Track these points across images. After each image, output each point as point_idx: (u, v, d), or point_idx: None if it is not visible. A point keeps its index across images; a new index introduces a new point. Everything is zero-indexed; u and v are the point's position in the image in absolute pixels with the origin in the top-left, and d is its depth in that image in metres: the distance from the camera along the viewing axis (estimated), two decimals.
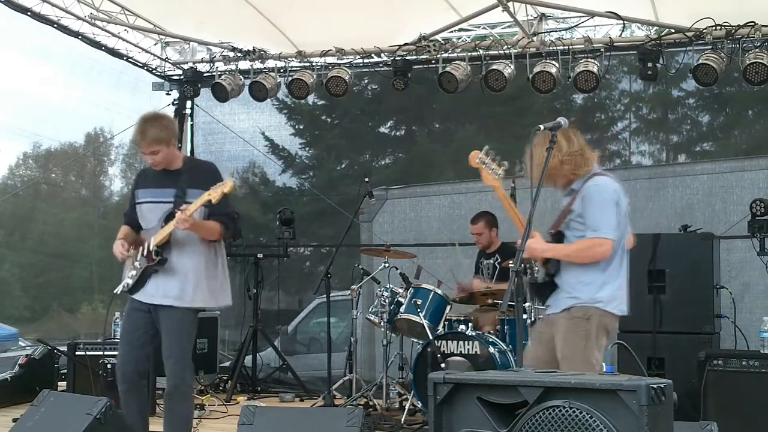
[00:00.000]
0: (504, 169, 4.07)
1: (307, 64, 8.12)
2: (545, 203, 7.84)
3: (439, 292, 6.40)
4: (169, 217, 4.58)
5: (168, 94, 9.08)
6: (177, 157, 4.76)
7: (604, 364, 2.89)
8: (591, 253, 3.97)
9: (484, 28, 7.88)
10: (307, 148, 10.60)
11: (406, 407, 6.15)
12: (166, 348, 4.60)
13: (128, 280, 4.68)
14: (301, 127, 10.64)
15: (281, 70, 8.26)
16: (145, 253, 4.63)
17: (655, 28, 7.28)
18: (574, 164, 4.09)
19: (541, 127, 3.82)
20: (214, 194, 4.47)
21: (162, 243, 4.59)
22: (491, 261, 6.92)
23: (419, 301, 6.29)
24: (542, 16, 7.48)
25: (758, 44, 6.71)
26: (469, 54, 7.61)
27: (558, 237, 4.15)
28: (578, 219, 4.05)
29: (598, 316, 3.96)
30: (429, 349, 6.12)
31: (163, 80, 9.05)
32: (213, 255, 4.75)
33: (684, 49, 7.08)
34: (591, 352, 3.87)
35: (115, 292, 4.82)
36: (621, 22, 7.17)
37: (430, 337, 6.12)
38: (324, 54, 7.98)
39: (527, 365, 3.96)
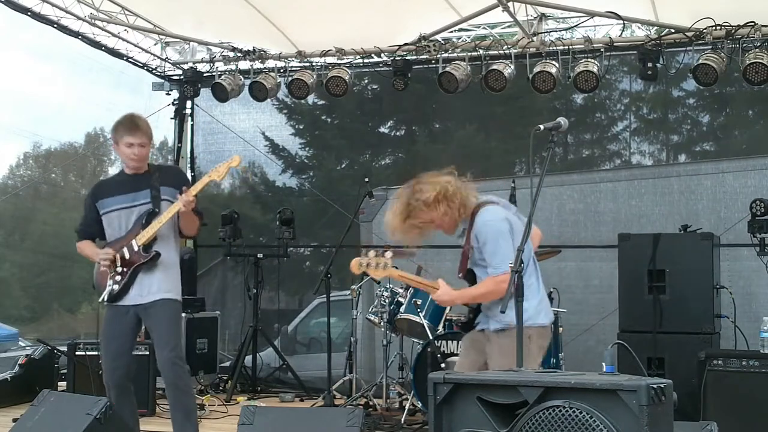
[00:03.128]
0: (390, 256, 4.19)
1: (307, 64, 8.12)
2: (552, 205, 7.96)
3: None
4: (150, 216, 4.67)
5: (168, 94, 9.10)
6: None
7: (604, 364, 2.88)
8: (497, 292, 3.95)
9: (484, 28, 7.88)
10: (307, 148, 10.58)
11: (406, 407, 6.15)
12: (162, 339, 4.67)
13: (114, 286, 4.71)
14: (301, 127, 10.63)
15: (281, 70, 8.27)
16: (127, 256, 4.68)
17: (655, 28, 7.28)
18: (453, 221, 4.14)
19: (541, 127, 3.80)
20: (216, 174, 4.63)
21: (147, 242, 4.66)
22: None
23: (419, 301, 6.28)
24: (542, 16, 7.48)
25: (758, 44, 6.71)
26: (469, 54, 7.60)
27: (468, 276, 4.21)
28: (479, 255, 4.09)
29: (536, 335, 4.03)
30: (429, 349, 6.12)
31: (163, 80, 9.06)
32: (178, 251, 4.90)
33: (684, 49, 7.08)
34: (531, 366, 3.91)
35: (100, 300, 4.83)
36: (621, 22, 7.17)
37: (430, 337, 6.12)
38: (324, 54, 7.98)
39: (459, 371, 4.12)
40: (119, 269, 4.70)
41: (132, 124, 4.71)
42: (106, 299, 4.75)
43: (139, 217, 4.70)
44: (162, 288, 4.70)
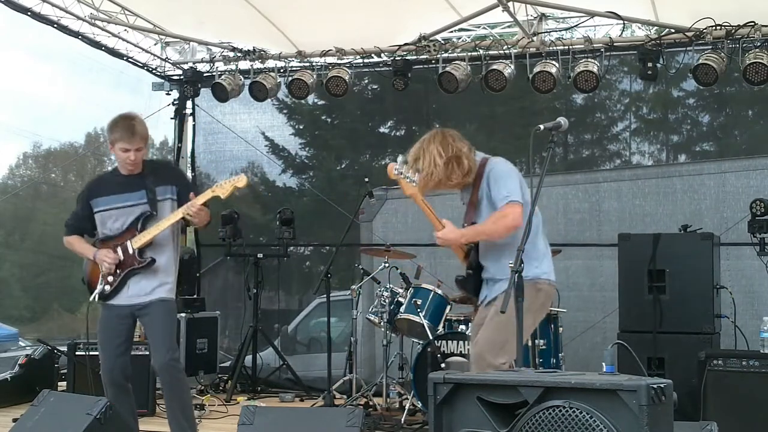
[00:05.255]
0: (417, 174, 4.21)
1: (307, 64, 8.12)
2: (557, 204, 7.95)
3: (439, 292, 6.40)
4: (147, 219, 4.67)
5: (168, 94, 9.10)
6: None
7: (604, 364, 2.88)
8: (505, 221, 4.03)
9: (484, 28, 7.88)
10: (307, 148, 10.59)
11: (406, 407, 6.14)
12: (158, 339, 4.68)
13: (105, 287, 4.71)
14: (301, 127, 10.64)
15: (281, 70, 8.26)
16: (121, 257, 4.67)
17: (655, 28, 7.28)
18: (454, 173, 4.23)
19: (541, 127, 3.82)
20: (221, 190, 4.62)
21: (144, 245, 4.66)
22: None
23: (419, 301, 6.29)
24: (542, 16, 7.48)
25: (758, 44, 6.71)
26: (469, 54, 7.60)
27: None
28: (487, 202, 4.16)
29: (546, 289, 4.12)
30: (429, 349, 6.12)
31: (163, 80, 9.06)
32: (177, 249, 4.90)
33: (684, 49, 7.08)
34: (528, 315, 3.82)
35: (90, 300, 4.81)
36: (621, 22, 7.17)
37: (430, 337, 6.12)
38: (324, 54, 7.98)
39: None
40: (113, 269, 4.69)
41: (128, 130, 4.64)
42: (96, 299, 4.75)
43: (136, 219, 4.68)
44: (158, 290, 4.71)
